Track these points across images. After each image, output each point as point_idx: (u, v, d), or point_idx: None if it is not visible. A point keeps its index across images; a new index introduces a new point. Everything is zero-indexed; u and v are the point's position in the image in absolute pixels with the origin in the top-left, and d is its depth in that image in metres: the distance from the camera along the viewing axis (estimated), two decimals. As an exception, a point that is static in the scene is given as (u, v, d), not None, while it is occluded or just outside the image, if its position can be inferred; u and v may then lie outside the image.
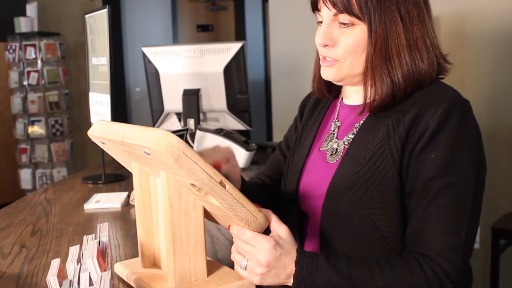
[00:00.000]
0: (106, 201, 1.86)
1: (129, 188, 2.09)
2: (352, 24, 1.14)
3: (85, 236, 1.11)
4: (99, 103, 2.23)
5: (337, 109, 1.33)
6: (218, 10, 7.04)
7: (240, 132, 2.56)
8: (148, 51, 2.60)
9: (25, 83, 5.20)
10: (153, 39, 5.97)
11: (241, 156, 2.28)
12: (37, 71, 5.21)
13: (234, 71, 2.50)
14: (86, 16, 2.33)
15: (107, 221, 1.64)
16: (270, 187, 1.46)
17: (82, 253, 1.03)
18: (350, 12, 1.12)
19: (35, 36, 5.20)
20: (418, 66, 1.13)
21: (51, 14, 5.56)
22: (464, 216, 1.07)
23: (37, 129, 5.25)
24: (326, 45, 1.18)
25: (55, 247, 1.44)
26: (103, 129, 1.13)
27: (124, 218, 1.70)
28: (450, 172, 1.07)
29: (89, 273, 0.94)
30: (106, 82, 2.11)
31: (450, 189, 1.07)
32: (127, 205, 1.84)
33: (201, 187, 0.98)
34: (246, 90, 2.54)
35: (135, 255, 1.36)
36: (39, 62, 5.20)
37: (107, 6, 2.02)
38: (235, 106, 2.56)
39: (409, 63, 1.13)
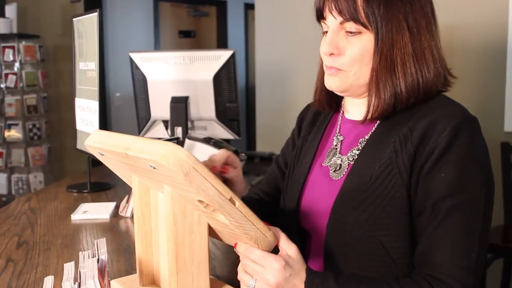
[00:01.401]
0: (93, 211, 1.79)
1: (116, 197, 2.02)
2: (359, 33, 1.10)
3: (81, 252, 1.06)
4: (86, 109, 2.17)
5: (339, 123, 1.28)
6: (200, 16, 6.99)
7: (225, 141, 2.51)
8: (136, 57, 2.54)
9: (3, 85, 5.08)
10: (135, 44, 5.89)
11: (231, 166, 2.22)
12: (15, 74, 5.09)
13: (224, 79, 2.45)
14: (74, 19, 2.27)
15: (96, 233, 1.58)
16: (267, 204, 1.41)
17: (80, 272, 0.97)
18: (357, 20, 1.09)
19: (14, 37, 5.09)
20: (425, 77, 1.10)
21: (30, 16, 5.45)
22: (475, 236, 1.04)
23: (13, 133, 5.13)
24: (332, 54, 1.14)
25: (44, 261, 1.37)
26: (102, 140, 1.07)
27: (114, 230, 1.63)
28: (460, 191, 1.04)
29: (90, 294, 0.88)
30: (94, 88, 2.05)
31: (461, 209, 1.03)
32: (116, 216, 1.78)
33: (209, 203, 0.92)
34: (235, 99, 2.49)
35: (129, 270, 1.30)
36: (17, 64, 5.09)
37: (98, 10, 1.96)
38: (224, 114, 2.51)
39: (414, 73, 1.10)
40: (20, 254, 1.42)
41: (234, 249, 1.05)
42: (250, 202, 1.37)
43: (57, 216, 1.79)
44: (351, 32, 1.11)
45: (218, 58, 2.43)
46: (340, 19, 1.11)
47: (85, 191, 2.13)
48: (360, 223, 1.09)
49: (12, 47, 5.07)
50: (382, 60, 1.09)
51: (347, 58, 1.12)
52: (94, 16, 2.00)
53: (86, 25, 2.12)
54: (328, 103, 1.29)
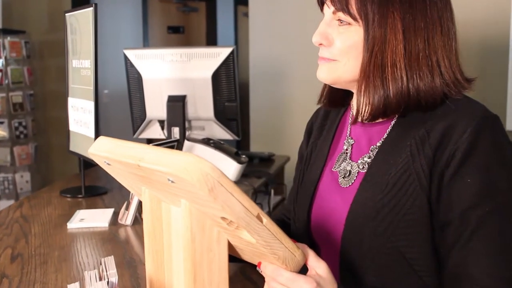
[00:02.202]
0: (91, 219, 1.69)
1: (113, 203, 1.92)
2: (348, 24, 1.04)
3: (86, 272, 0.96)
4: (80, 109, 2.06)
5: (349, 126, 1.20)
6: (190, 11, 6.86)
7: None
8: (131, 54, 2.43)
9: (-13, 82, 4.94)
10: (123, 40, 5.77)
11: (232, 169, 2.13)
12: (0, 71, 4.94)
13: (223, 78, 2.35)
14: (67, 14, 2.16)
15: (95, 243, 1.48)
16: None
17: (88, 296, 0.88)
18: (346, 11, 1.03)
19: (-1, 33, 4.94)
20: (415, 84, 1.01)
21: (16, 11, 5.29)
22: (511, 245, 0.96)
23: (-1, 131, 4.99)
24: (321, 44, 1.09)
25: (41, 277, 1.27)
26: (109, 148, 0.97)
27: (115, 240, 1.53)
28: (489, 198, 0.96)
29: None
30: (90, 88, 1.94)
31: (492, 217, 0.96)
32: (115, 223, 1.68)
33: (235, 221, 0.83)
34: (235, 98, 2.39)
35: (134, 286, 1.20)
36: (2, 60, 4.94)
37: (94, 5, 1.85)
38: (222, 114, 2.41)
39: (403, 78, 1.01)
40: (15, 268, 1.32)
41: (258, 269, 0.95)
42: (280, 224, 1.29)
43: (51, 224, 1.69)
44: (341, 21, 1.05)
45: (217, 55, 2.33)
46: (332, 8, 1.06)
47: (80, 196, 2.03)
48: (379, 234, 1.02)
49: (-3, 43, 4.93)
50: (372, 57, 1.02)
51: (335, 48, 1.06)
52: (89, 11, 1.89)
53: (80, 21, 2.01)
54: (332, 100, 1.21)
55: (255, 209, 0.83)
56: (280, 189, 2.74)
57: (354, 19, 1.02)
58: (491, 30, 2.90)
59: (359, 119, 1.09)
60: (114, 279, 0.92)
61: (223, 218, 0.85)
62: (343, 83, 1.10)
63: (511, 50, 2.88)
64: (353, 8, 1.02)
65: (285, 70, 3.62)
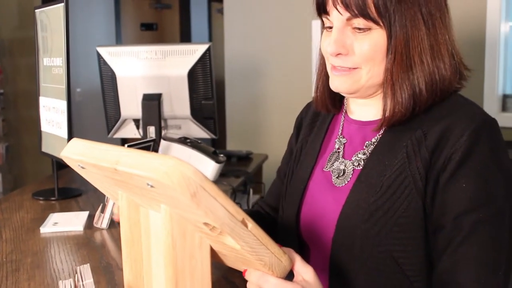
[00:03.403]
0: (64, 223, 1.63)
1: (88, 205, 1.86)
2: (369, 29, 0.99)
3: (61, 281, 0.91)
4: (52, 109, 1.99)
5: (341, 124, 1.16)
6: (163, 8, 6.78)
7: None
8: (103, 51, 2.37)
9: (-45, 82, 4.81)
10: (95, 37, 5.66)
11: (210, 168, 2.08)
12: (-32, 69, 4.82)
13: (199, 75, 2.31)
14: (36, 10, 2.09)
15: (69, 248, 1.43)
16: (274, 219, 1.29)
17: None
18: (367, 16, 0.97)
19: (-33, 31, 4.82)
20: (442, 75, 1.00)
21: (-17, 8, 5.17)
22: (502, 253, 0.95)
23: (-32, 132, 4.87)
24: (339, 54, 1.02)
25: (13, 286, 1.21)
26: (83, 151, 0.92)
27: (90, 244, 1.48)
28: (483, 204, 0.94)
29: None
30: (62, 86, 1.88)
31: (485, 224, 0.93)
32: (91, 227, 1.62)
33: (219, 226, 0.79)
34: (212, 96, 2.35)
35: (112, 294, 1.15)
36: (-29, 59, 4.82)
37: (65, 0, 1.79)
38: (199, 112, 2.36)
39: (432, 71, 0.99)
40: (-15, 277, 1.26)
41: (244, 276, 0.91)
42: (258, 219, 1.25)
43: (24, 228, 1.62)
44: (359, 29, 0.99)
45: (193, 52, 2.29)
46: (347, 14, 0.98)
47: (53, 198, 1.96)
48: (371, 237, 0.99)
49: (-35, 41, 4.80)
50: (398, 58, 0.98)
51: (358, 56, 1.00)
52: (60, 7, 1.83)
53: (51, 17, 1.94)
54: (333, 104, 1.17)
55: (240, 214, 0.79)
56: (258, 188, 2.71)
57: (376, 23, 0.97)
58: (467, 26, 2.90)
59: (385, 124, 1.04)
60: (90, 289, 0.87)
61: (206, 224, 0.80)
62: (364, 91, 1.05)
63: (487, 47, 2.89)
64: (372, 11, 0.97)
65: (261, 67, 3.59)
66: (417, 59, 0.98)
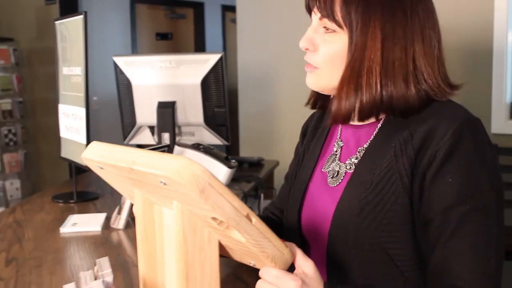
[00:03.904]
0: (83, 224, 1.72)
1: (105, 208, 1.95)
2: (334, 31, 1.08)
3: (81, 272, 0.99)
4: (71, 116, 2.08)
5: (340, 129, 1.24)
6: (178, 18, 6.90)
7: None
8: (120, 61, 2.46)
9: (-24, 90, 4.94)
10: (111, 47, 5.78)
11: (222, 173, 2.16)
12: (-12, 78, 4.95)
13: (212, 83, 2.39)
14: (56, 22, 2.18)
15: (88, 247, 1.51)
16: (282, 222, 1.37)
17: (84, 295, 0.91)
18: (332, 18, 1.07)
19: (-13, 41, 4.95)
20: (388, 92, 1.05)
21: (4, 18, 5.31)
22: (491, 241, 1.01)
23: (-12, 139, 4.99)
24: (307, 49, 1.13)
25: (36, 278, 1.30)
26: (102, 153, 1.00)
27: (107, 244, 1.56)
28: (470, 197, 1.00)
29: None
30: (80, 94, 1.97)
31: (473, 215, 1.00)
32: (108, 228, 1.70)
33: (225, 221, 0.87)
34: (224, 104, 2.43)
35: (128, 287, 1.23)
36: (-10, 68, 4.95)
37: (83, 13, 1.88)
38: (212, 120, 2.44)
39: (378, 84, 1.05)
40: (10, 272, 1.34)
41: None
42: (266, 222, 1.33)
43: (44, 229, 1.71)
44: (327, 29, 1.09)
45: (206, 62, 2.37)
46: (319, 14, 1.09)
47: (72, 201, 2.05)
48: (362, 230, 1.06)
49: (-14, 51, 4.93)
50: (351, 63, 1.06)
51: (320, 55, 1.10)
52: (79, 19, 1.92)
53: (70, 29, 2.04)
54: (322, 104, 1.25)
55: (244, 209, 0.87)
56: (269, 193, 2.78)
57: (339, 26, 1.06)
58: (475, 34, 2.95)
59: (333, 122, 1.12)
60: (109, 278, 0.95)
61: (214, 219, 0.88)
62: (329, 90, 1.13)
63: (495, 54, 2.94)
64: (338, 15, 1.06)
65: (273, 76, 3.67)
66: (366, 69, 1.05)
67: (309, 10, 1.14)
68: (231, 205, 0.85)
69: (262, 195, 2.43)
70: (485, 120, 2.88)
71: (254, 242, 0.90)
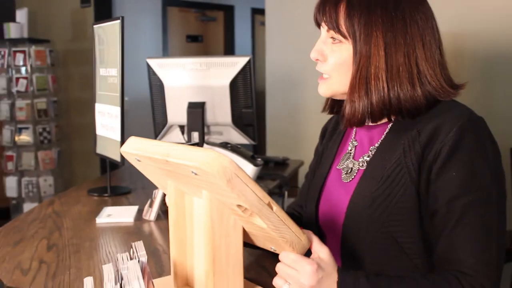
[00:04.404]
0: (117, 215, 1.83)
1: (137, 201, 2.06)
2: (340, 41, 1.19)
3: (119, 254, 1.09)
4: (107, 114, 2.21)
5: (354, 130, 1.34)
6: (208, 21, 7.03)
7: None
8: (153, 63, 2.58)
9: (14, 89, 5.13)
10: (143, 49, 5.93)
11: (248, 171, 2.26)
12: (25, 78, 5.13)
13: (240, 85, 2.49)
14: (95, 26, 2.31)
15: (121, 236, 1.62)
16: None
17: (121, 273, 1.01)
18: (337, 30, 1.17)
19: (25, 42, 5.13)
20: (395, 94, 1.15)
21: (40, 21, 5.49)
22: (492, 231, 1.09)
23: (24, 137, 5.17)
24: (317, 60, 1.24)
25: (76, 263, 1.41)
26: (139, 146, 1.11)
27: (139, 234, 1.67)
28: (472, 190, 1.09)
29: (135, 294, 0.92)
30: (116, 94, 2.09)
31: (475, 206, 1.08)
32: (140, 219, 1.82)
33: (249, 208, 0.96)
34: (251, 104, 2.52)
35: (159, 273, 1.34)
36: (28, 68, 5.13)
37: (121, 18, 2.00)
38: (240, 120, 2.54)
39: (385, 88, 1.15)
40: (51, 256, 1.46)
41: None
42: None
43: (81, 219, 1.83)
44: (333, 39, 1.20)
45: (234, 64, 2.47)
46: (326, 27, 1.20)
47: (106, 195, 2.17)
48: (374, 220, 1.16)
49: (23, 52, 5.11)
50: (358, 71, 1.16)
51: (328, 65, 1.21)
52: (116, 24, 2.04)
53: (108, 32, 2.16)
54: (338, 109, 1.34)
55: (266, 198, 0.96)
56: (294, 192, 2.87)
57: (344, 37, 1.17)
58: (498, 39, 3.00)
59: (348, 126, 1.22)
60: (144, 259, 1.05)
61: (239, 206, 0.98)
62: (340, 95, 1.24)
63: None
64: (343, 27, 1.16)
65: (300, 78, 3.76)
66: (373, 76, 1.15)
67: (318, 24, 1.25)
68: (255, 194, 0.95)
69: (286, 193, 2.53)
70: (508, 123, 2.96)
71: (274, 228, 0.99)
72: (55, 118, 5.36)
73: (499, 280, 1.10)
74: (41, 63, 5.18)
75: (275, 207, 0.98)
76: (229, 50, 7.13)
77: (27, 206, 5.11)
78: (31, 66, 5.13)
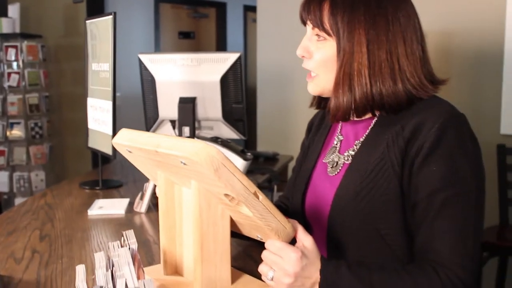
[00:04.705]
0: (109, 207, 1.87)
1: (128, 194, 2.10)
2: (324, 39, 1.23)
3: (110, 243, 1.13)
4: (99, 109, 2.24)
5: (340, 124, 1.38)
6: (200, 17, 7.06)
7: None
8: (145, 58, 2.61)
9: (5, 84, 5.14)
10: (135, 44, 5.95)
11: (238, 165, 2.30)
12: (17, 73, 5.14)
13: (231, 81, 2.52)
14: (87, 21, 2.34)
15: (113, 227, 1.65)
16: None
17: (112, 260, 1.05)
18: (321, 27, 1.21)
19: (17, 37, 5.13)
20: (378, 89, 1.19)
21: (33, 16, 5.50)
22: (470, 224, 1.13)
23: (16, 132, 5.18)
24: (303, 57, 1.28)
25: (68, 252, 1.44)
26: (130, 138, 1.15)
27: (130, 225, 1.71)
28: (452, 184, 1.13)
29: (125, 280, 0.95)
30: (108, 88, 2.12)
31: (454, 200, 1.12)
32: (131, 211, 1.85)
33: (236, 197, 1.00)
34: (241, 100, 2.56)
35: (149, 262, 1.37)
36: (20, 63, 5.14)
37: (113, 13, 2.04)
38: (230, 115, 2.58)
39: (368, 84, 1.18)
40: (44, 246, 1.49)
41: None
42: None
43: (73, 211, 1.87)
44: (318, 36, 1.23)
45: (225, 60, 2.51)
46: (311, 25, 1.24)
47: (97, 188, 2.20)
48: (358, 213, 1.20)
49: (15, 47, 5.12)
50: (342, 67, 1.20)
51: (314, 61, 1.25)
52: (108, 19, 2.07)
53: (100, 28, 2.19)
54: (324, 104, 1.38)
55: (252, 187, 1.00)
56: (283, 186, 2.90)
57: (328, 34, 1.21)
58: (486, 37, 3.05)
59: (333, 120, 1.26)
60: (134, 246, 1.09)
61: (226, 195, 1.02)
62: (328, 92, 1.27)
63: (506, 56, 3.03)
64: (327, 25, 1.20)
65: (290, 75, 3.79)
66: (356, 72, 1.19)
67: (303, 22, 1.29)
68: (241, 183, 0.99)
69: (275, 187, 2.57)
70: (494, 121, 3.01)
71: (260, 216, 1.03)
72: (47, 113, 5.37)
73: (478, 272, 1.14)
74: (33, 58, 5.19)
75: (261, 196, 1.02)
76: (221, 47, 7.16)
77: (19, 201, 5.12)
78: (23, 61, 5.14)
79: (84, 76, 2.41)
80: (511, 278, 2.96)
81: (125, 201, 1.94)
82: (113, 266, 1.04)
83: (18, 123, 5.19)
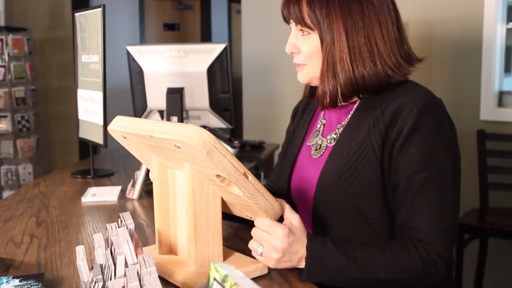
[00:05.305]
0: (101, 194, 1.93)
1: (120, 182, 2.16)
2: (308, 33, 1.31)
3: (108, 224, 1.19)
4: (89, 100, 2.29)
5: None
6: (185, 9, 7.09)
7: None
8: (133, 50, 2.66)
9: (-9, 78, 5.15)
10: (120, 37, 5.97)
11: (226, 153, 2.36)
12: (3, 66, 5.15)
13: (217, 71, 2.59)
14: (76, 14, 2.39)
15: (107, 213, 1.71)
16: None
17: (111, 239, 1.11)
18: (303, 23, 1.30)
19: (2, 30, 5.13)
20: (360, 73, 1.27)
21: (17, 9, 5.50)
22: (448, 203, 1.21)
23: (2, 125, 5.20)
24: (292, 53, 1.36)
25: (65, 236, 1.50)
26: (125, 124, 1.21)
27: (123, 210, 1.73)
28: (430, 165, 1.21)
29: (125, 256, 1.02)
30: (98, 80, 2.17)
31: (432, 180, 1.20)
32: (123, 198, 1.91)
33: (227, 177, 1.07)
34: (228, 90, 2.62)
35: (144, 244, 1.44)
36: (5, 57, 5.15)
37: (102, 6, 2.09)
38: (217, 105, 2.64)
39: (350, 69, 1.27)
40: (41, 231, 1.55)
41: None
42: None
43: (67, 199, 1.92)
44: (302, 32, 1.32)
45: (211, 51, 2.57)
46: (293, 22, 1.32)
47: (89, 176, 2.26)
48: (341, 194, 1.28)
49: (0, 40, 5.13)
50: (326, 58, 1.28)
51: (302, 55, 1.33)
52: (98, 11, 2.12)
53: (89, 20, 2.24)
54: (315, 92, 1.46)
55: (242, 168, 1.07)
56: (269, 174, 2.97)
57: (311, 28, 1.29)
58: (465, 25, 3.14)
59: (322, 108, 1.35)
60: (132, 226, 1.15)
61: (218, 176, 1.09)
62: (317, 80, 1.35)
63: (484, 44, 3.12)
64: (307, 20, 1.28)
65: (275, 65, 3.86)
66: (338, 59, 1.27)
67: (286, 20, 1.36)
68: (232, 164, 1.05)
69: (262, 174, 2.64)
70: (474, 107, 3.10)
71: (250, 195, 1.10)
72: (33, 106, 5.38)
73: (452, 247, 1.22)
74: (18, 52, 5.20)
75: (250, 176, 1.08)
76: (206, 38, 7.19)
77: (7, 194, 5.15)
78: (8, 54, 5.15)
79: (74, 68, 2.46)
80: (491, 259, 3.06)
81: (117, 189, 1.99)
82: (112, 245, 1.11)
83: (5, 116, 5.20)
